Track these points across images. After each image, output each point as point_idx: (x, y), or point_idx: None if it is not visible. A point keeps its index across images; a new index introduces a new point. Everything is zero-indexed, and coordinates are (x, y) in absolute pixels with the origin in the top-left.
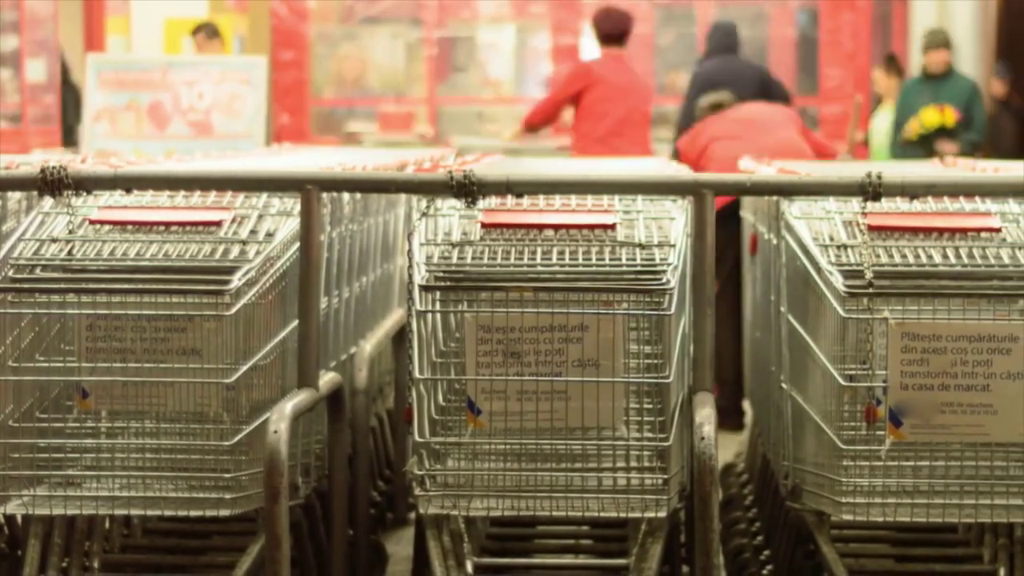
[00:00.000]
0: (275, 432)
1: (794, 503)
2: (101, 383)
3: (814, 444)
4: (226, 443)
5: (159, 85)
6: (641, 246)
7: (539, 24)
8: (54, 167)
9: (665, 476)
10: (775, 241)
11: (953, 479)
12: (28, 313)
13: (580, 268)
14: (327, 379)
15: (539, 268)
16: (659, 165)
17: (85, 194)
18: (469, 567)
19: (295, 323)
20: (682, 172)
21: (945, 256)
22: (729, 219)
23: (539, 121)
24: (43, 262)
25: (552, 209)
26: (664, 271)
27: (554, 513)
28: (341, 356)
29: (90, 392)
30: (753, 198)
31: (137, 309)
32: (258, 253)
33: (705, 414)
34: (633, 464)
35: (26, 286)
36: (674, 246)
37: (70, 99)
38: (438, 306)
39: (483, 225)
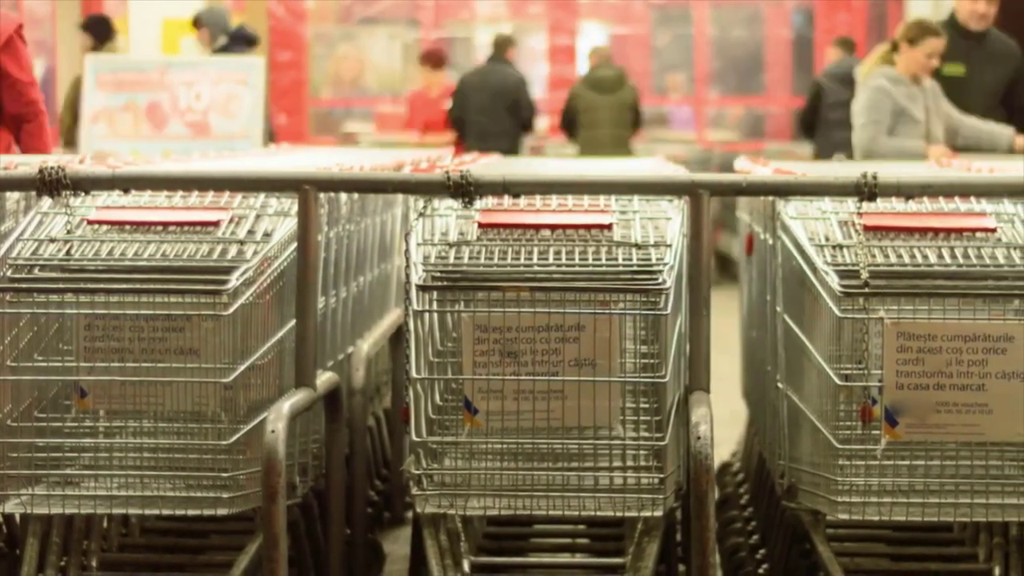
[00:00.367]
0: (273, 432)
1: (790, 502)
2: (99, 383)
3: (810, 443)
4: (224, 442)
5: (157, 86)
6: (637, 246)
7: (536, 25)
8: (52, 167)
9: (661, 475)
10: (771, 241)
11: (948, 478)
12: (26, 313)
13: (577, 268)
14: (324, 379)
15: (536, 268)
16: (656, 165)
17: (83, 194)
18: (466, 566)
19: (293, 323)
20: (679, 172)
21: (940, 256)
22: None
23: None
24: (41, 262)
25: (549, 209)
26: (660, 271)
27: (551, 512)
28: (338, 356)
29: (88, 391)
30: (749, 198)
31: (135, 309)
32: (256, 253)
33: (701, 413)
34: (629, 463)
35: (24, 286)
36: (670, 246)
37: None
38: (435, 306)
39: (480, 225)
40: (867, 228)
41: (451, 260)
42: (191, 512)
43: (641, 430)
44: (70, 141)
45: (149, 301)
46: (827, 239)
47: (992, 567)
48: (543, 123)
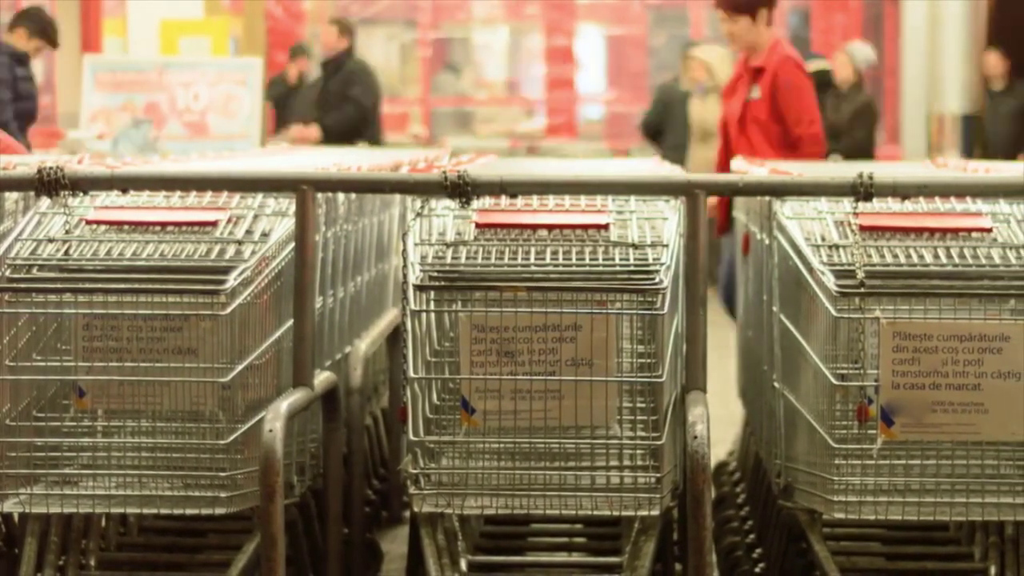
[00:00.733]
0: (270, 431)
1: (786, 501)
2: (98, 382)
3: (806, 443)
4: (222, 442)
5: (155, 86)
6: (634, 246)
7: (533, 25)
8: (51, 168)
9: (658, 475)
10: (767, 241)
11: (944, 478)
12: (25, 313)
13: (574, 268)
14: (322, 378)
15: (533, 268)
16: (652, 166)
17: (82, 194)
18: (463, 565)
19: (290, 322)
20: (675, 173)
21: (936, 256)
22: None
23: None
24: (40, 262)
25: (546, 209)
26: (657, 271)
27: (548, 512)
28: (336, 355)
29: (87, 391)
30: (746, 198)
31: (133, 309)
32: (253, 253)
33: (698, 413)
34: (626, 463)
35: (23, 286)
36: (667, 246)
37: None
38: (432, 306)
39: (477, 225)
40: (863, 228)
41: (448, 260)
42: (189, 511)
43: (638, 429)
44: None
45: (147, 301)
46: (823, 239)
47: (988, 566)
48: (539, 122)
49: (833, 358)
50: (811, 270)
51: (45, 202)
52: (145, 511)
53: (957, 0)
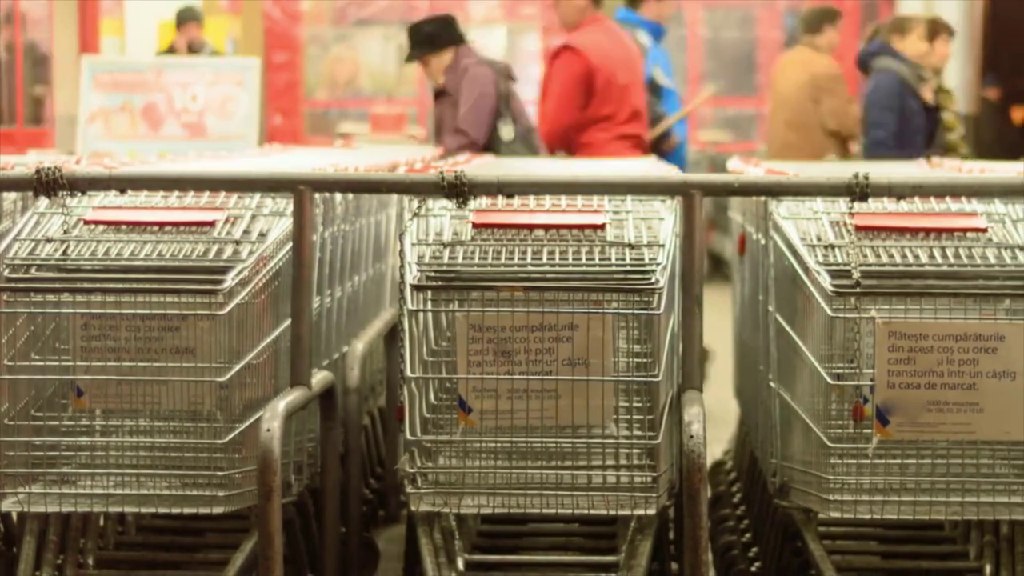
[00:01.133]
0: (268, 430)
1: (782, 500)
2: (96, 382)
3: (802, 442)
4: (219, 441)
5: (153, 87)
6: (631, 246)
7: (530, 26)
8: (49, 168)
9: (654, 474)
10: (763, 241)
11: (939, 477)
12: (23, 312)
13: (570, 268)
14: (319, 378)
15: (529, 268)
16: (649, 166)
17: (80, 194)
18: (460, 564)
19: (288, 322)
20: (671, 173)
21: (932, 256)
22: None
23: None
24: (38, 262)
25: (542, 209)
26: (653, 271)
27: (544, 511)
28: (333, 355)
29: (85, 391)
30: (742, 198)
31: (131, 308)
32: (251, 253)
33: (694, 412)
34: (623, 462)
35: (21, 286)
36: (663, 246)
37: None
38: (429, 305)
39: (474, 225)
40: (859, 228)
41: (445, 260)
42: (187, 510)
43: (634, 429)
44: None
45: (145, 301)
46: (819, 239)
47: (983, 565)
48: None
49: (829, 358)
50: (807, 270)
51: (43, 202)
52: (143, 510)
53: (953, 0)
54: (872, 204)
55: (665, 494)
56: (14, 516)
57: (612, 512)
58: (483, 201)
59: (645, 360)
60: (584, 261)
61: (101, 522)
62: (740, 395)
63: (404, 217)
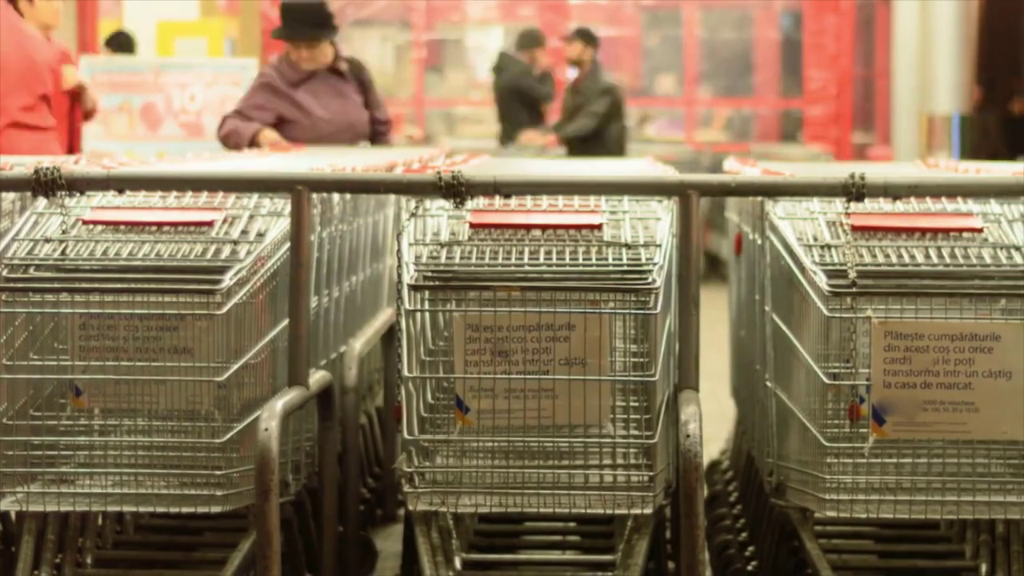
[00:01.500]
0: (266, 430)
1: (778, 500)
2: (94, 381)
3: (798, 441)
4: (217, 441)
5: (151, 87)
6: (627, 246)
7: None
8: (48, 168)
9: (651, 473)
10: (760, 241)
11: (935, 476)
12: (22, 312)
13: (567, 268)
14: (317, 377)
15: (527, 268)
16: (645, 166)
17: (78, 195)
18: (457, 563)
19: (286, 322)
20: (668, 173)
21: (927, 256)
22: None
23: None
24: (37, 262)
25: (539, 209)
26: (650, 271)
27: (541, 510)
28: (331, 355)
29: (83, 390)
30: (738, 199)
31: (129, 308)
32: (249, 253)
33: (690, 412)
34: (619, 461)
35: (20, 285)
36: (660, 246)
37: None
38: (427, 305)
39: (471, 225)
40: (855, 228)
41: (442, 260)
42: (185, 510)
43: (631, 428)
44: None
45: (143, 300)
46: (815, 239)
47: (979, 564)
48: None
49: (825, 357)
50: (803, 270)
51: (42, 202)
52: (141, 509)
53: (949, 1)
54: (868, 204)
55: (662, 493)
56: (13, 515)
57: (609, 511)
58: (480, 201)
59: (642, 360)
60: (581, 261)
61: (99, 521)
62: (737, 394)
63: (401, 217)
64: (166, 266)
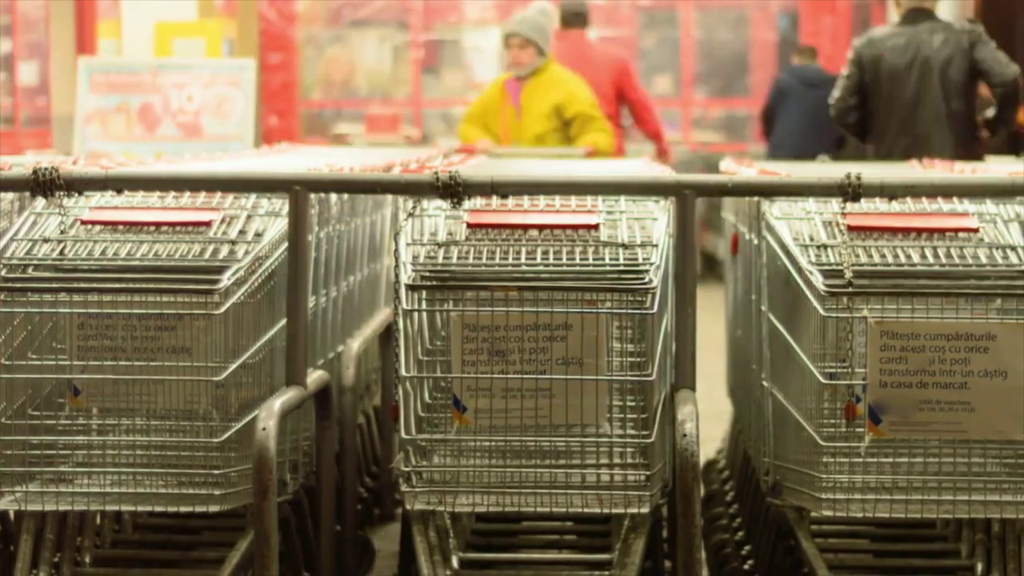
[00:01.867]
0: (264, 429)
1: (775, 499)
2: (92, 381)
3: (794, 441)
4: (215, 440)
5: (149, 88)
6: (624, 246)
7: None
8: (46, 168)
9: (648, 472)
10: (756, 241)
11: (931, 475)
12: (20, 312)
13: (564, 268)
14: (315, 377)
15: (524, 268)
16: (642, 166)
17: (77, 195)
18: (455, 562)
19: (283, 322)
20: (665, 173)
21: (923, 256)
22: None
23: None
24: (35, 262)
25: (536, 210)
26: (647, 271)
27: (538, 509)
28: (329, 354)
29: (81, 390)
30: (734, 199)
31: (128, 308)
32: (247, 253)
33: (687, 411)
34: (616, 461)
35: (18, 285)
36: (656, 246)
37: None
38: (424, 305)
39: (468, 225)
40: (851, 228)
41: (440, 260)
42: (183, 509)
43: (628, 428)
44: None
45: (142, 300)
46: (811, 239)
47: (974, 563)
48: None
49: (821, 357)
50: (799, 270)
51: (40, 202)
52: (140, 509)
53: (945, 1)
54: (864, 204)
55: (658, 492)
56: (11, 515)
57: (606, 510)
58: (477, 201)
59: (639, 359)
60: (578, 261)
61: (98, 520)
62: (733, 394)
63: (399, 217)
64: (164, 266)
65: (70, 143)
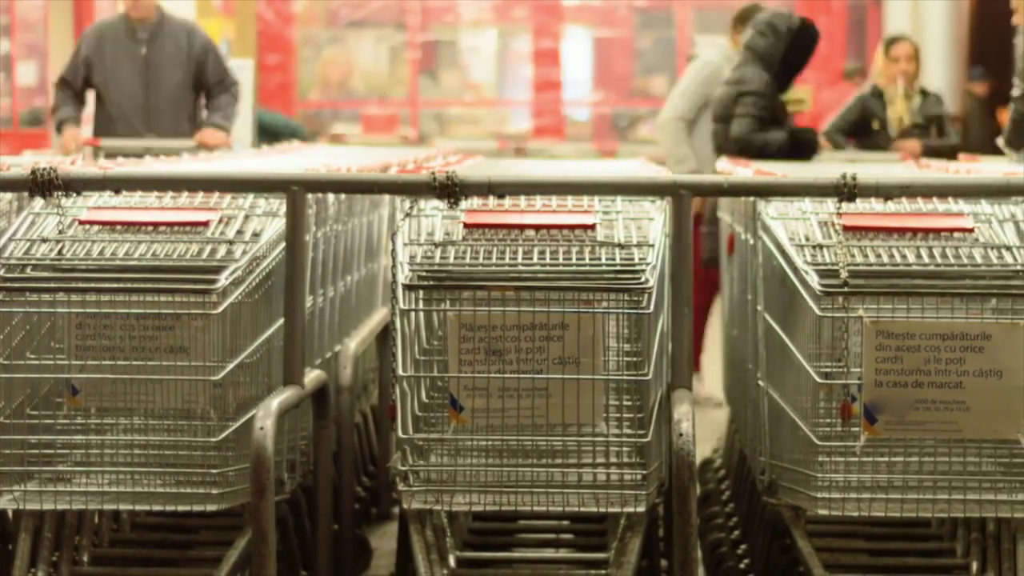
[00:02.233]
0: (261, 428)
1: (770, 498)
2: (90, 380)
3: (790, 440)
4: (213, 439)
5: None
6: (620, 246)
7: (520, 28)
8: (44, 168)
9: (644, 472)
10: (752, 241)
11: (927, 475)
12: (19, 312)
13: (561, 267)
14: (312, 376)
15: (520, 267)
16: (638, 167)
17: (75, 195)
18: (452, 561)
19: (281, 321)
20: (661, 174)
21: (919, 256)
22: None
23: None
24: (33, 262)
25: (533, 210)
26: (643, 270)
27: (535, 508)
28: (326, 354)
29: (80, 389)
30: (730, 199)
31: (126, 308)
32: (244, 253)
33: (683, 411)
34: (613, 460)
35: (17, 285)
36: (652, 246)
37: None
38: (421, 305)
39: (465, 225)
40: (847, 228)
41: (437, 260)
42: (181, 508)
43: (624, 427)
44: None
45: (139, 300)
46: (807, 239)
47: (969, 562)
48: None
49: (817, 356)
50: (795, 270)
51: (39, 202)
52: (138, 508)
53: (940, 2)
54: (860, 204)
55: (655, 492)
56: (9, 514)
57: (602, 509)
58: (474, 201)
59: (635, 359)
60: (574, 261)
61: (96, 519)
62: (729, 394)
63: (396, 217)
64: (162, 266)
65: None
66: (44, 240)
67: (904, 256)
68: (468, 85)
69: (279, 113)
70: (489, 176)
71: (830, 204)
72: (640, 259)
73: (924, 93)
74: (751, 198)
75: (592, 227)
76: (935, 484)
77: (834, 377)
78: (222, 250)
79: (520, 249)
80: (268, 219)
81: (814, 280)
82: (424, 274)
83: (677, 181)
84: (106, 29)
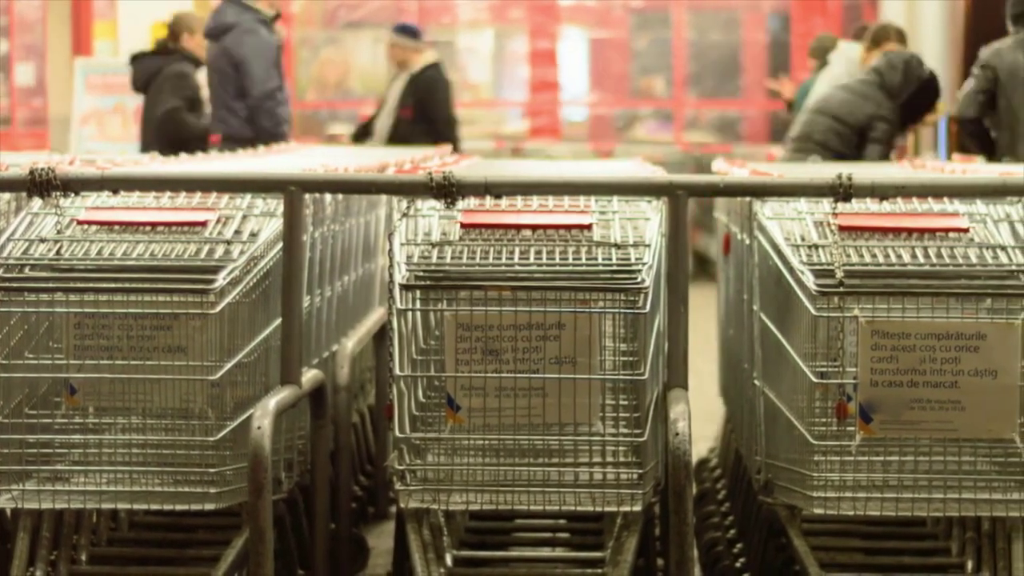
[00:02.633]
0: (259, 428)
1: (766, 497)
2: (88, 380)
3: (786, 440)
4: (211, 439)
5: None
6: (617, 246)
7: (517, 29)
8: (43, 169)
9: (640, 471)
10: (748, 241)
11: (922, 474)
12: (17, 312)
13: (557, 267)
14: (310, 376)
15: (517, 267)
16: (634, 167)
17: (73, 195)
18: (448, 560)
19: (278, 321)
20: (657, 174)
21: (914, 256)
22: None
23: None
24: (32, 261)
25: (530, 210)
26: (639, 270)
27: (532, 507)
28: (323, 354)
29: (78, 389)
30: (727, 199)
31: (124, 307)
32: (242, 253)
33: (679, 410)
34: (609, 459)
35: (15, 285)
36: (649, 246)
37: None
38: (418, 304)
39: (462, 225)
40: (842, 228)
41: (434, 260)
42: (179, 507)
43: (620, 427)
44: None
45: (138, 300)
46: (803, 239)
47: (965, 561)
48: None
49: (812, 356)
50: (791, 269)
51: (37, 203)
52: (136, 507)
53: (935, 1)
54: (855, 204)
55: (651, 491)
56: (8, 513)
57: (599, 509)
58: (471, 201)
59: (631, 359)
60: (571, 261)
61: (94, 519)
62: (725, 393)
63: (393, 217)
64: (160, 266)
65: (66, 144)
66: (42, 240)
67: (900, 256)
68: (465, 85)
69: None
70: (486, 176)
71: (826, 204)
72: (636, 259)
73: None
74: (747, 198)
75: (589, 227)
76: (930, 483)
77: (830, 377)
78: (220, 250)
79: (517, 249)
80: (266, 219)
81: (810, 280)
82: (421, 274)
83: (673, 181)
84: None
